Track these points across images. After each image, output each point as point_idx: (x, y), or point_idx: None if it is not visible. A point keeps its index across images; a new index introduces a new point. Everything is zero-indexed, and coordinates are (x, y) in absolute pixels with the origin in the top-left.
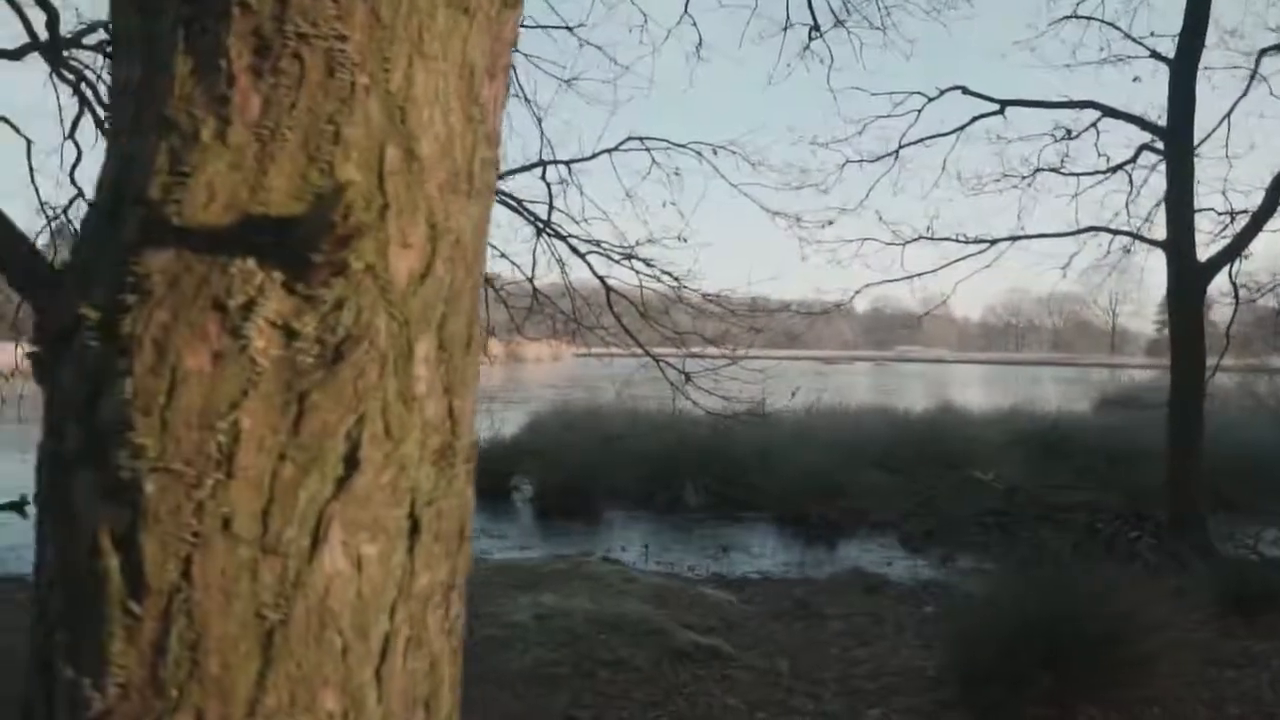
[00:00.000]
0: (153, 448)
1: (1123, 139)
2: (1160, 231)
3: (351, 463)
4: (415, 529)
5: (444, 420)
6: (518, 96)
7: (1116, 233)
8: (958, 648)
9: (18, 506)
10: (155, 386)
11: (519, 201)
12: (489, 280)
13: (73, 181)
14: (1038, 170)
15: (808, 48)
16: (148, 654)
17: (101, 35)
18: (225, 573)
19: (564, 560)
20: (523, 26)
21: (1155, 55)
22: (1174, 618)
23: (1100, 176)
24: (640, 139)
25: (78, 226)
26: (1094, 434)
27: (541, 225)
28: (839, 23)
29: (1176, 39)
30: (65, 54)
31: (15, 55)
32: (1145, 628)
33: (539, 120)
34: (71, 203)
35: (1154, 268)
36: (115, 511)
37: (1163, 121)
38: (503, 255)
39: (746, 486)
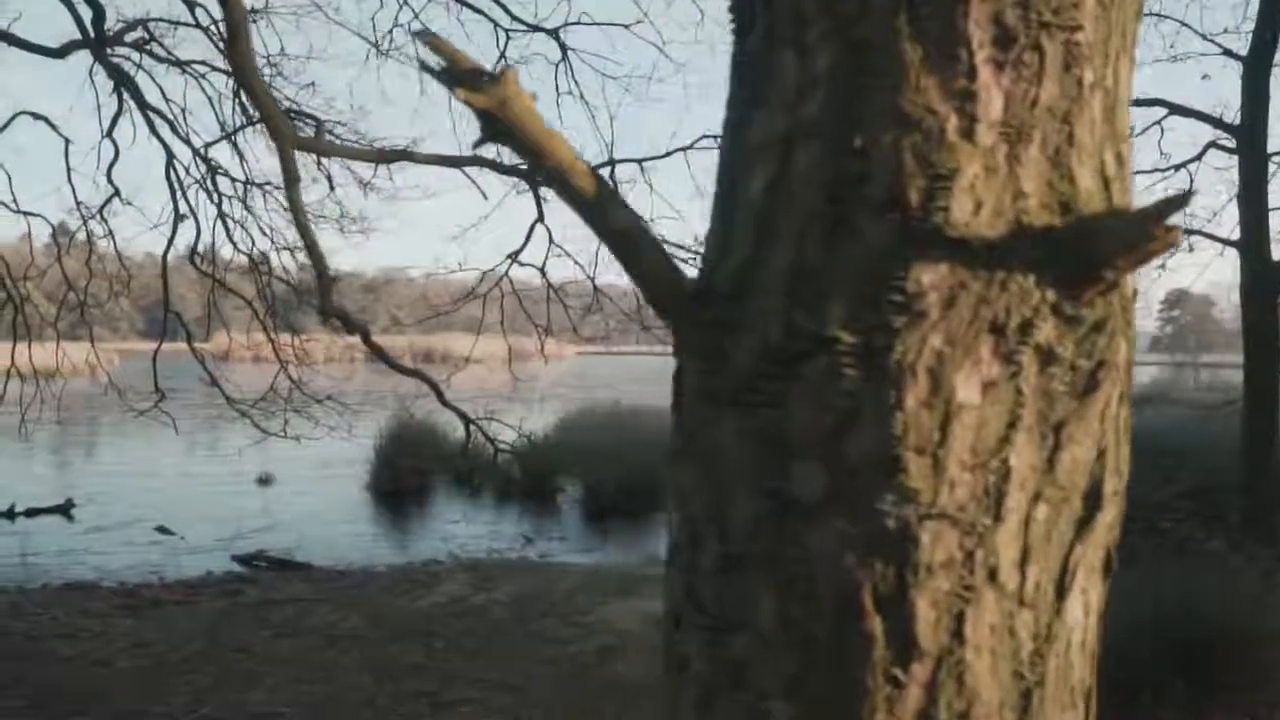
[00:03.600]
0: (926, 492)
1: (1185, 137)
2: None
3: (1093, 501)
4: (1108, 569)
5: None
6: (570, 94)
7: (1187, 232)
8: None
9: (64, 510)
10: (929, 421)
11: None
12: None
13: (109, 180)
14: None
15: None
16: None
17: (140, 33)
18: (993, 630)
19: (657, 565)
20: (577, 24)
21: (1228, 53)
22: None
23: (1159, 174)
24: (714, 136)
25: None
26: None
27: None
28: None
29: (1250, 36)
30: (108, 51)
31: (59, 53)
32: (1272, 632)
33: (610, 119)
34: (108, 202)
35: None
36: (879, 566)
37: (1227, 118)
38: (565, 253)
39: None
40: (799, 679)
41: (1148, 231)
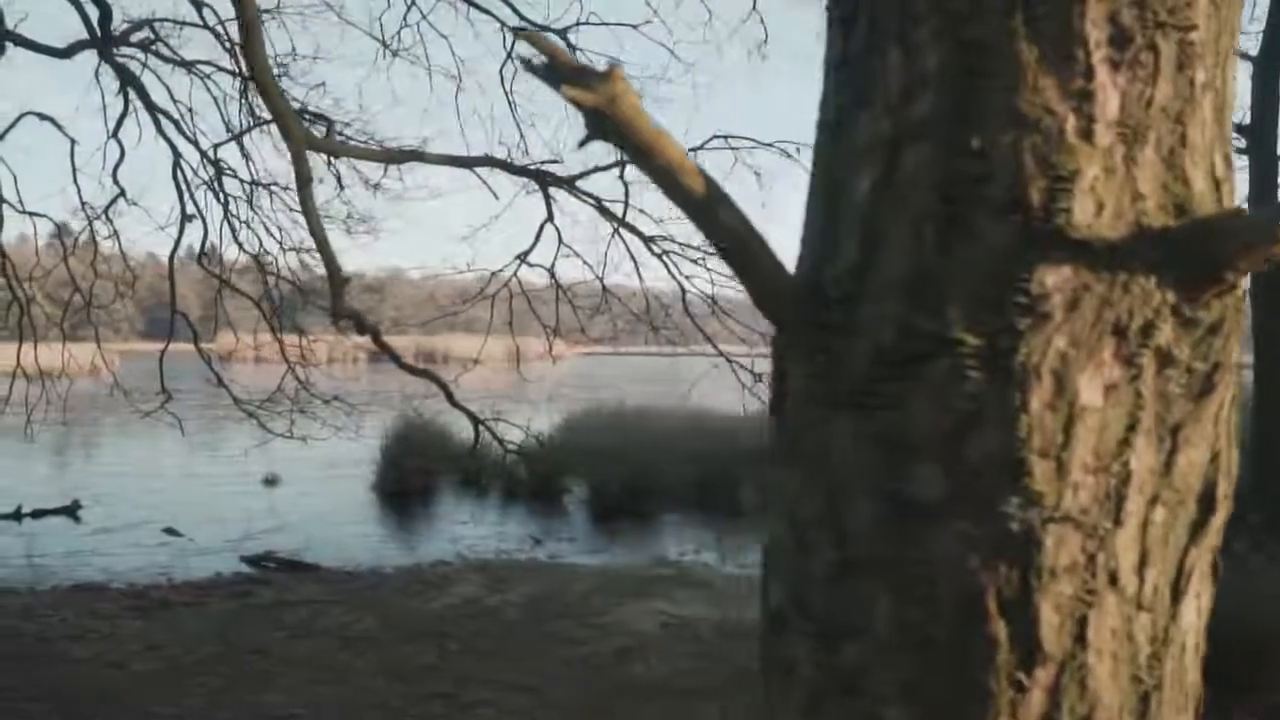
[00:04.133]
0: (1050, 495)
1: None
2: None
3: (1207, 504)
4: (1215, 572)
5: None
6: None
7: None
8: None
9: (71, 511)
10: (1053, 424)
11: (599, 200)
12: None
13: (115, 181)
14: None
15: None
16: None
17: (146, 33)
18: (1114, 634)
19: (669, 566)
20: (585, 24)
21: (1237, 52)
22: None
23: None
24: (725, 137)
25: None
26: None
27: (618, 224)
28: None
29: (1260, 35)
30: (114, 51)
31: (65, 53)
32: None
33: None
34: (113, 202)
35: None
36: (1003, 570)
37: (1236, 118)
38: (574, 254)
39: None
40: (916, 683)
41: (1274, 233)
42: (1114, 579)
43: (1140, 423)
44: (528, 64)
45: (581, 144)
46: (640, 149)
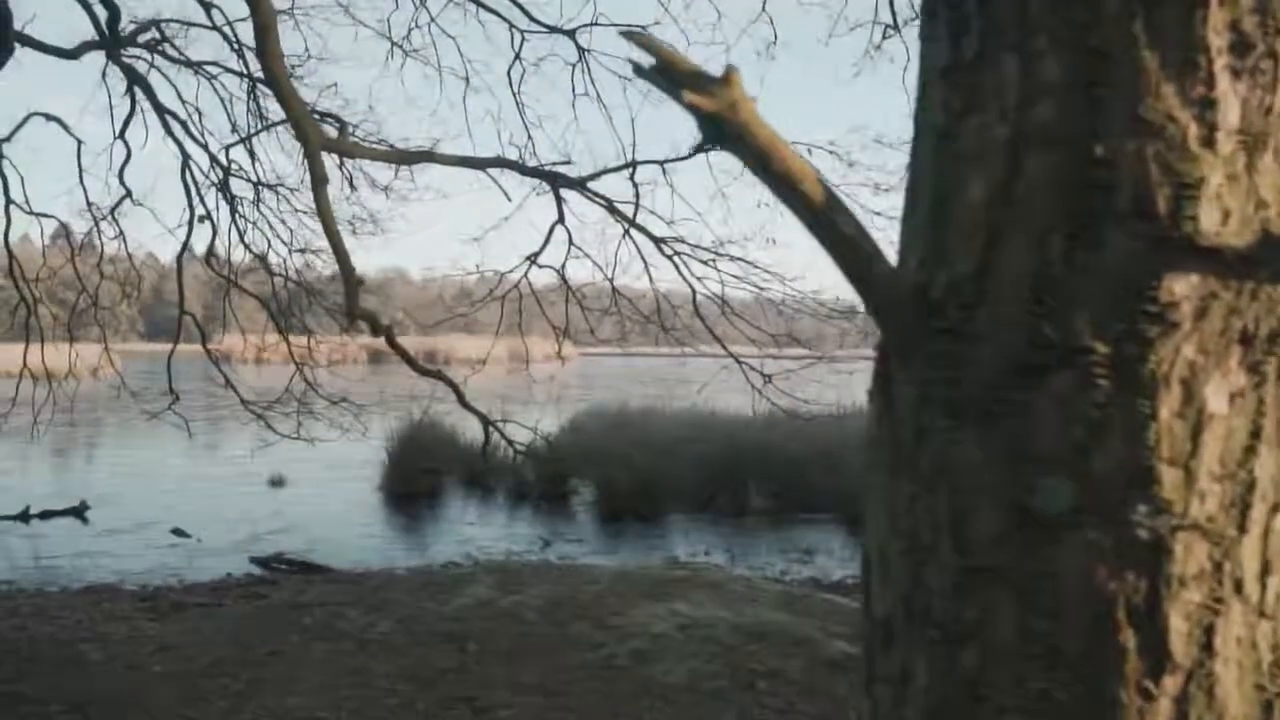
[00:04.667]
0: (1179, 503)
1: None
2: None
3: None
4: None
5: None
6: (586, 95)
7: None
8: None
9: (78, 512)
10: (1181, 432)
11: (609, 201)
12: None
13: (121, 181)
14: None
15: (879, 47)
16: None
17: (154, 34)
18: (1239, 642)
19: (682, 567)
20: (593, 25)
21: None
22: None
23: None
24: None
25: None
26: None
27: (629, 225)
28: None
29: None
30: (121, 52)
31: (73, 54)
32: None
33: (631, 120)
34: (119, 203)
35: None
36: (1132, 579)
37: None
38: (585, 255)
39: (809, 487)
40: (1042, 693)
41: None
42: (1239, 587)
43: (1263, 430)
44: (639, 69)
45: (697, 150)
46: (759, 155)
